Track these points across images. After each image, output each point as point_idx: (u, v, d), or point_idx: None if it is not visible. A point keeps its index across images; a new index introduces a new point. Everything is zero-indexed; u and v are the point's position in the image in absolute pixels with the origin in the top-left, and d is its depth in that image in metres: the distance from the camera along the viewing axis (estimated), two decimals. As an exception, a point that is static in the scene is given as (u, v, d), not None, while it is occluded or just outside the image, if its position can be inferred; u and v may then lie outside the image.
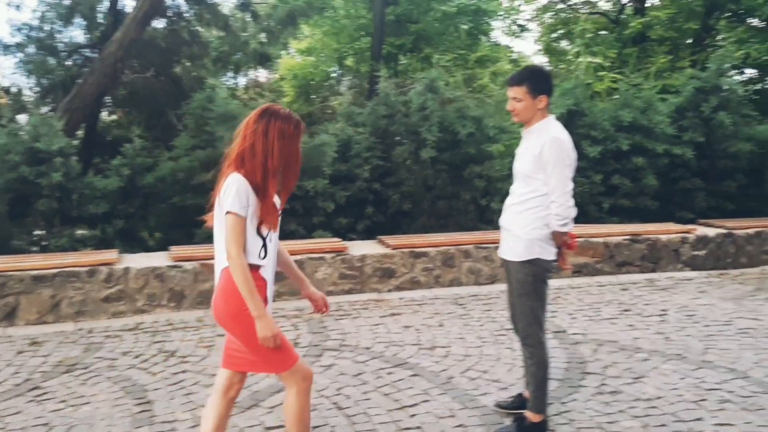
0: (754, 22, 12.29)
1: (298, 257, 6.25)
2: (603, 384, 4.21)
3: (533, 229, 3.36)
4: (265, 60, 11.70)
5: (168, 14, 10.92)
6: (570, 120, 8.67)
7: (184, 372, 4.47)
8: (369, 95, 8.89)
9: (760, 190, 9.49)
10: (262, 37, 11.30)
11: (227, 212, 2.56)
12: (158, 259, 6.16)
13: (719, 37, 10.34)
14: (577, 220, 8.25)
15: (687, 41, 13.30)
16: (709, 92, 8.99)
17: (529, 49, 36.36)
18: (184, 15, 11.04)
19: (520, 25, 16.02)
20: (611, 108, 8.93)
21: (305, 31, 14.87)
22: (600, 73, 10.79)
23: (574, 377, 4.34)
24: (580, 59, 10.16)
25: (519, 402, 3.73)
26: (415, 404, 3.90)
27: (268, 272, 2.71)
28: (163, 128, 9.93)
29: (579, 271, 7.28)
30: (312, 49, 15.19)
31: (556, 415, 3.74)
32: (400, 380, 4.28)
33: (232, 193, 2.55)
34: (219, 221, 2.64)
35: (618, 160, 8.47)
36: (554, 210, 3.30)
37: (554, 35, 16.16)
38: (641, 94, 9.04)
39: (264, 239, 2.66)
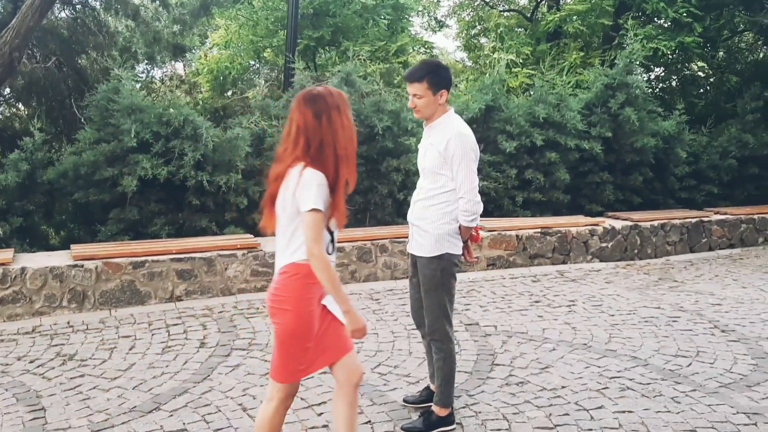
0: (662, 21, 12.78)
1: (208, 254, 6.08)
2: (510, 375, 4.26)
3: (442, 224, 3.36)
4: (178, 52, 11.33)
5: (74, 2, 10.43)
6: (487, 115, 8.78)
7: (82, 376, 4.26)
8: (285, 88, 8.71)
9: (664, 184, 9.88)
10: (175, 27, 10.93)
11: (311, 209, 2.44)
12: (58, 259, 5.85)
13: (628, 35, 10.66)
14: (492, 213, 8.41)
15: (598, 38, 13.73)
16: (617, 88, 9.28)
17: (448, 45, 36.72)
18: (91, 3, 10.56)
19: (438, 21, 16.18)
20: (526, 104, 9.09)
21: (221, 23, 14.52)
22: (515, 70, 11.00)
23: (483, 369, 4.37)
24: (495, 55, 10.29)
25: (426, 396, 3.72)
26: (323, 402, 3.84)
27: (333, 267, 2.62)
28: (66, 121, 9.46)
29: (493, 263, 7.38)
30: (228, 41, 14.84)
31: (463, 407, 3.76)
32: (308, 378, 4.19)
33: (314, 189, 2.45)
34: (287, 218, 2.54)
35: (532, 154, 8.63)
36: (463, 206, 3.32)
37: (473, 31, 16.39)
38: (555, 90, 9.24)
39: (332, 234, 2.61)
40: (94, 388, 4.07)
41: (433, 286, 3.40)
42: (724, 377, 4.27)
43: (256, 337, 5.01)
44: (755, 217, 9.65)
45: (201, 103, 13.56)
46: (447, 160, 3.28)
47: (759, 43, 16.03)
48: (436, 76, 3.27)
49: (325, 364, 2.70)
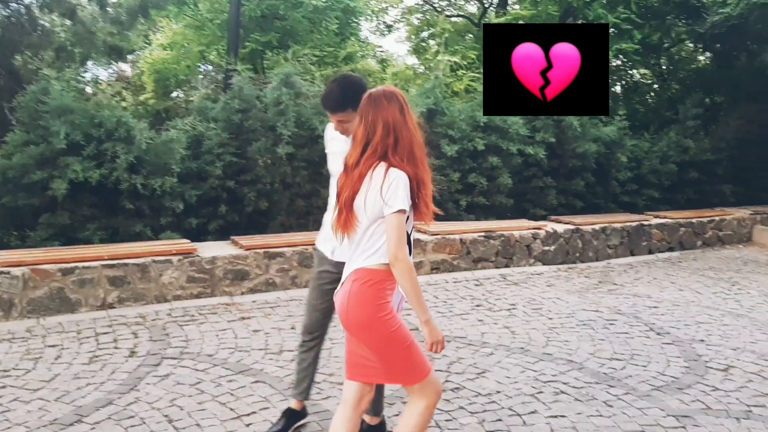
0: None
1: (142, 260, 5.88)
2: (446, 381, 4.21)
3: None
4: (117, 53, 11.03)
5: (8, 1, 10.06)
6: (429, 119, 8.76)
7: (3, 387, 4.04)
8: (225, 91, 8.56)
9: (606, 188, 10.03)
10: (113, 28, 10.64)
11: (398, 211, 2.37)
12: (-18, 266, 5.58)
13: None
14: (436, 217, 8.37)
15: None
16: (559, 94, 9.36)
17: (397, 48, 36.87)
18: (26, 3, 10.20)
19: (387, 25, 16.20)
20: (468, 108, 9.11)
21: (164, 23, 14.25)
22: (459, 72, 11.04)
23: (419, 375, 4.30)
24: (438, 58, 10.31)
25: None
26: (253, 412, 3.72)
27: None
28: (-4, 123, 9.10)
29: (437, 267, 7.35)
30: (173, 43, 14.57)
31: (396, 415, 3.68)
32: (240, 388, 4.08)
33: (401, 191, 2.38)
34: (368, 220, 2.47)
35: (474, 159, 8.65)
36: None
37: (422, 35, 16.45)
38: (497, 96, 9.27)
39: (409, 237, 2.51)
40: (15, 399, 3.87)
41: None
42: (657, 380, 4.30)
43: (189, 346, 4.85)
44: (694, 221, 9.87)
45: (144, 104, 13.25)
46: None
47: (699, 51, 16.49)
48: (356, 96, 3.14)
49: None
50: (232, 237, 6.79)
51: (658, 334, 5.34)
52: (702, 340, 5.19)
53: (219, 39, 14.04)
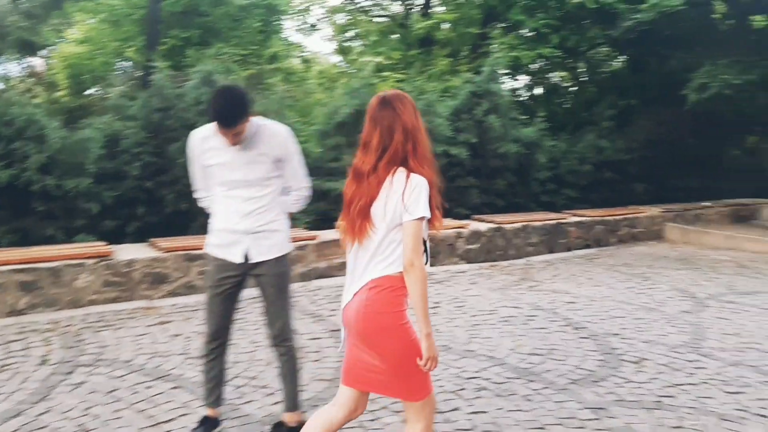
0: (525, 32, 13.36)
1: (54, 264, 5.63)
2: (370, 381, 4.21)
3: (285, 221, 3.40)
4: (29, 47, 10.54)
5: None
6: (356, 120, 8.76)
7: None
8: (144, 88, 8.31)
9: (525, 188, 10.30)
10: (25, 22, 10.16)
11: (419, 218, 2.32)
12: None
13: (493, 44, 11.06)
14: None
15: (467, 46, 14.16)
16: (482, 96, 9.56)
17: (322, 47, 36.73)
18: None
19: (312, 24, 16.11)
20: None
21: (80, 17, 13.70)
22: (384, 74, 11.10)
23: (343, 376, 4.30)
24: (363, 59, 10.34)
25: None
26: (172, 419, 3.62)
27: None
28: None
29: (361, 268, 7.36)
30: (89, 38, 14.03)
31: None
32: (159, 394, 3.96)
33: (423, 196, 2.34)
34: (386, 227, 2.39)
35: (400, 159, 8.69)
36: (305, 193, 3.44)
37: (347, 35, 16.44)
38: (423, 96, 9.39)
39: (425, 244, 2.44)
40: None
41: (286, 285, 3.38)
42: (574, 373, 4.44)
43: (104, 352, 4.68)
44: (609, 219, 10.24)
45: (57, 102, 12.70)
46: (283, 160, 3.27)
47: (614, 55, 17.13)
48: (246, 107, 3.09)
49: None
50: (151, 239, 6.60)
51: (576, 328, 5.51)
52: (616, 334, 5.39)
53: (137, 35, 13.63)
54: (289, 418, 3.40)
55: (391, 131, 2.41)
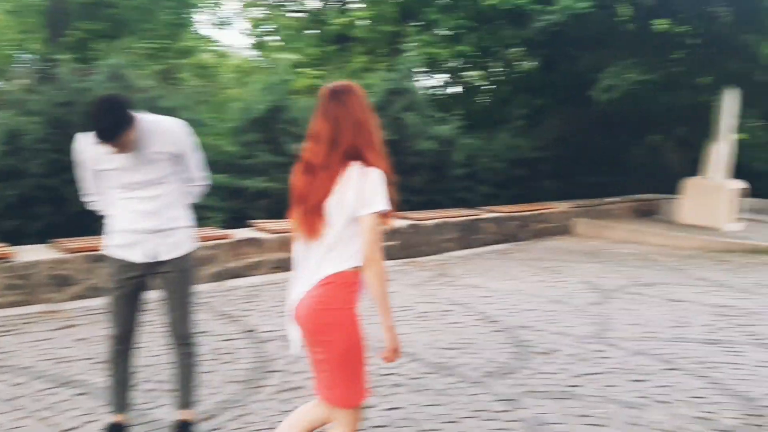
0: (442, 31, 13.54)
1: (-54, 268, 5.29)
2: (285, 381, 4.17)
3: (188, 218, 3.34)
4: None
5: None
6: (272, 116, 8.66)
7: None
8: (48, 82, 7.91)
9: (442, 185, 10.44)
10: None
11: (378, 211, 2.28)
12: None
13: (410, 42, 11.15)
14: (279, 215, 8.27)
15: (383, 44, 14.22)
16: (398, 93, 9.63)
17: (237, 42, 36.12)
18: None
19: (225, 18, 15.79)
20: (312, 105, 9.09)
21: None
22: (301, 70, 11.02)
23: (257, 377, 4.23)
24: (280, 55, 10.21)
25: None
26: (77, 427, 3.47)
27: None
28: None
29: (278, 266, 7.26)
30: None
31: (232, 420, 3.59)
32: (63, 401, 3.79)
33: (382, 189, 2.28)
34: (343, 222, 2.32)
35: (317, 156, 8.64)
36: (203, 186, 3.41)
37: (263, 30, 16.19)
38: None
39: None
40: None
41: (191, 283, 3.33)
42: (487, 366, 4.53)
43: (5, 359, 4.42)
44: (522, 214, 10.53)
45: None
46: (180, 156, 3.19)
47: (527, 56, 17.61)
48: (128, 114, 2.97)
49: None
50: (54, 239, 6.30)
51: (489, 322, 5.63)
52: (528, 327, 5.54)
53: (41, 26, 12.98)
54: (186, 415, 3.35)
55: (342, 123, 2.34)
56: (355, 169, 2.32)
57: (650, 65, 11.78)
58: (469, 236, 9.50)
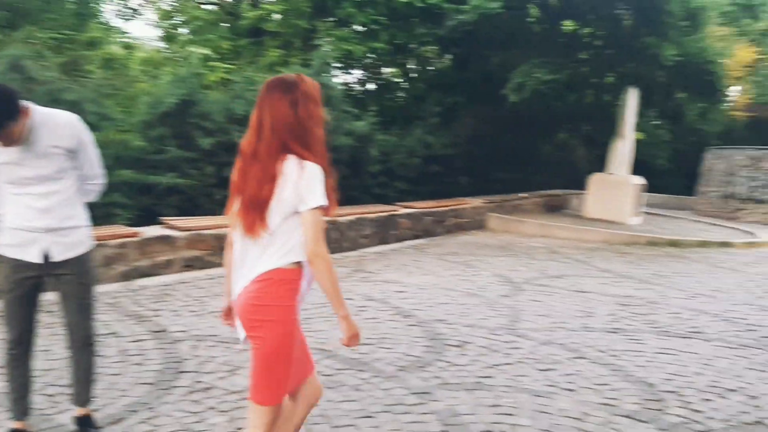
0: (356, 27, 13.55)
1: None
2: (197, 381, 4.07)
3: (86, 216, 3.22)
4: None
5: None
6: (182, 110, 8.42)
7: None
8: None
9: (359, 181, 10.47)
10: None
11: (318, 206, 2.26)
12: None
13: (323, 37, 11.09)
14: (191, 212, 8.08)
15: (298, 38, 14.09)
16: (313, 89, 9.56)
17: (146, 33, 35.01)
18: None
19: (133, 9, 15.23)
20: (224, 100, 8.91)
21: None
22: (213, 64, 10.77)
23: (167, 378, 4.11)
24: (191, 48, 9.94)
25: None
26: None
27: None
28: None
29: (190, 265, 7.09)
30: None
31: (141, 423, 3.47)
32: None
33: (320, 185, 2.27)
34: (281, 217, 2.29)
35: (230, 152, 8.46)
36: (100, 183, 3.29)
37: (172, 22, 15.73)
38: (254, 87, 9.20)
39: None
40: None
41: (90, 284, 3.22)
42: (402, 360, 4.57)
43: None
44: (437, 210, 10.69)
45: None
46: (76, 151, 3.07)
47: (441, 53, 17.87)
48: (12, 111, 2.80)
49: (298, 381, 2.53)
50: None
51: (405, 316, 5.69)
52: (442, 320, 5.63)
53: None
54: (84, 412, 3.29)
55: (276, 116, 2.31)
56: (291, 163, 2.29)
57: (558, 65, 12.20)
58: (385, 232, 9.56)
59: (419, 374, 4.32)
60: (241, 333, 2.47)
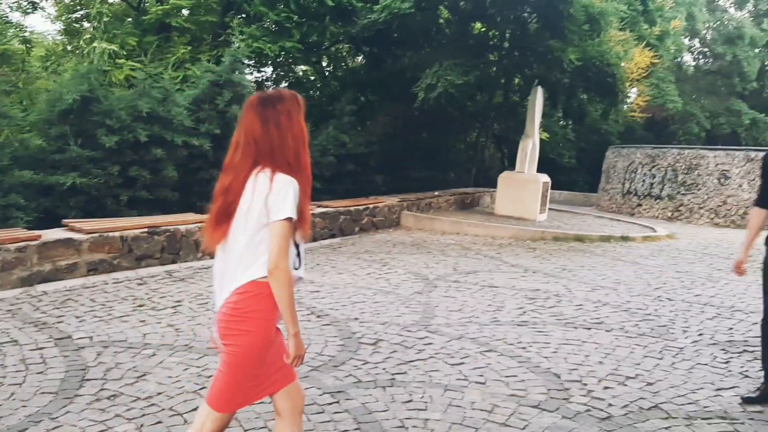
0: (267, 24, 13.37)
1: None
2: (102, 389, 3.92)
3: None
4: None
5: None
6: (84, 107, 8.09)
7: None
8: None
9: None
10: None
11: (285, 219, 2.26)
12: None
13: (234, 34, 10.89)
14: (94, 214, 7.78)
15: (207, 35, 13.79)
16: (224, 86, 9.39)
17: (47, 28, 33.37)
18: None
19: (31, 2, 14.45)
20: (128, 97, 8.62)
21: None
22: (119, 61, 10.39)
23: (71, 387, 3.94)
24: (95, 44, 9.56)
25: None
26: None
27: (298, 283, 2.47)
28: None
29: (94, 268, 6.81)
30: None
31: (40, 436, 3.32)
32: None
33: (291, 197, 2.28)
34: (252, 229, 2.33)
35: (136, 151, 8.22)
36: None
37: (74, 15, 15.06)
38: (160, 84, 8.95)
39: (298, 247, 2.44)
40: None
41: None
42: (315, 360, 4.56)
43: None
44: (352, 209, 10.71)
45: None
46: None
47: (353, 52, 17.93)
48: None
49: (270, 391, 2.49)
50: None
51: (318, 316, 5.67)
52: (356, 319, 5.65)
53: None
54: None
55: (253, 132, 2.38)
56: (263, 177, 2.34)
57: (468, 66, 12.46)
58: (299, 231, 9.48)
59: (333, 373, 4.32)
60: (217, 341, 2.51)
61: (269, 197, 2.31)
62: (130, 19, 13.53)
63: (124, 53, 10.86)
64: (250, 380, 2.43)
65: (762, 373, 4.15)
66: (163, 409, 3.66)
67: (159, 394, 3.88)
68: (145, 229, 7.32)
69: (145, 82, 8.69)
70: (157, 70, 9.73)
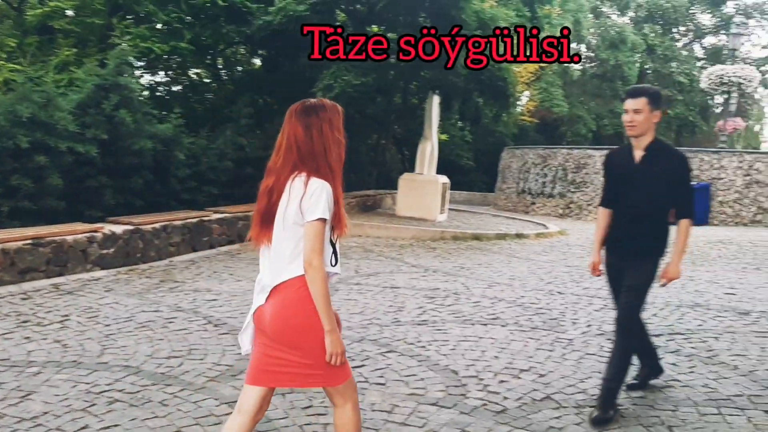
0: (157, 25, 12.94)
1: None
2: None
3: None
4: None
5: None
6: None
7: None
8: None
9: (165, 186, 10.03)
10: None
11: (317, 219, 2.45)
12: None
13: (125, 36, 10.47)
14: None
15: (94, 36, 13.20)
16: (110, 89, 9.01)
17: None
18: None
19: None
20: (7, 101, 8.12)
21: None
22: (-1, 63, 9.77)
23: (-57, 414, 3.66)
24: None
25: None
26: None
27: (333, 280, 2.63)
28: None
29: (-29, 284, 6.37)
30: None
31: None
32: None
33: (323, 200, 2.47)
34: (290, 230, 2.51)
35: (17, 158, 7.75)
36: None
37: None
38: (41, 88, 8.48)
39: (334, 246, 2.61)
40: None
41: None
42: (212, 371, 4.45)
43: None
44: (251, 214, 10.51)
45: None
46: None
47: (250, 54, 17.64)
48: None
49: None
50: None
51: (216, 326, 5.54)
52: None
53: None
54: None
55: (283, 138, 2.58)
56: (300, 180, 2.52)
57: (366, 69, 12.53)
58: (196, 239, 9.25)
59: (231, 383, 4.22)
60: (246, 344, 2.71)
61: (303, 200, 2.49)
62: (10, 20, 12.74)
63: (4, 55, 10.20)
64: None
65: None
66: (50, 429, 3.47)
67: (45, 413, 3.67)
68: (29, 241, 6.91)
69: (25, 86, 8.20)
70: (38, 72, 9.21)
